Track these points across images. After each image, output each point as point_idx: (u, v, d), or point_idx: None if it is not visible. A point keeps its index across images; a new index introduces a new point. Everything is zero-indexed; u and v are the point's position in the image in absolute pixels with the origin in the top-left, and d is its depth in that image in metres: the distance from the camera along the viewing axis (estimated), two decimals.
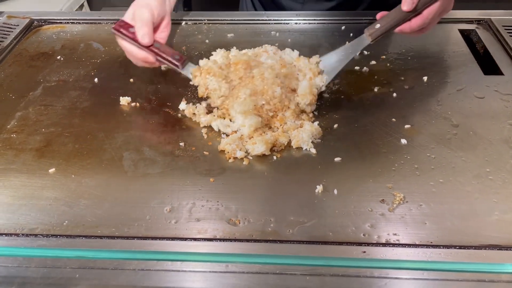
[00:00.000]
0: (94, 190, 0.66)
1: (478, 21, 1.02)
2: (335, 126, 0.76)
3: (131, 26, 0.79)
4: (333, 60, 0.81)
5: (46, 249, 0.57)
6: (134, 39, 0.78)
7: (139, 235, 0.60)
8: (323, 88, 0.79)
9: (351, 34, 0.99)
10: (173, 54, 0.79)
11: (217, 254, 0.57)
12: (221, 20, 1.07)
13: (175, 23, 1.06)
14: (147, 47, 0.78)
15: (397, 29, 0.75)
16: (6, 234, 0.60)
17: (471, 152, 0.70)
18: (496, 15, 1.01)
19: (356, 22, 1.03)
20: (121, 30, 0.79)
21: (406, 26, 0.74)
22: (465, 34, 0.99)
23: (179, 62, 0.78)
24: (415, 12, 0.72)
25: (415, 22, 0.73)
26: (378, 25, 0.75)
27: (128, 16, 0.81)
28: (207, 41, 1.00)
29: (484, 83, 0.84)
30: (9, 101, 0.84)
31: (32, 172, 0.69)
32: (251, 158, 0.70)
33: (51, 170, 0.69)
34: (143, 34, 0.77)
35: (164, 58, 0.78)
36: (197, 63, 0.80)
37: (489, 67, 0.89)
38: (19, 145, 0.74)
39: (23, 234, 0.60)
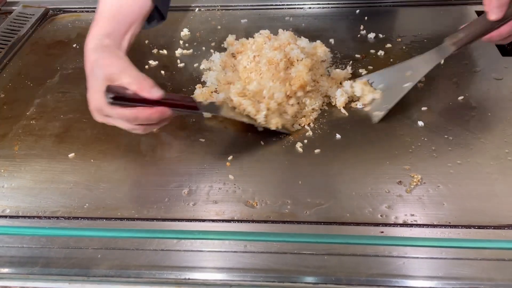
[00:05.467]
0: (113, 174, 0.67)
1: None
2: (352, 108, 0.76)
3: (124, 88, 0.57)
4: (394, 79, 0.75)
5: (69, 229, 0.59)
6: (139, 100, 0.57)
7: (159, 217, 0.61)
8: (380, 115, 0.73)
9: (366, 18, 0.98)
10: (184, 98, 0.66)
11: (237, 233, 0.57)
12: (234, 5, 1.07)
13: (188, 9, 1.07)
14: (158, 101, 0.58)
15: (485, 38, 0.68)
16: (29, 217, 0.62)
17: (489, 133, 0.69)
18: None
19: (370, 6, 1.02)
20: (121, 95, 0.56)
21: (495, 34, 0.67)
22: None
23: (195, 104, 0.64)
24: (504, 20, 0.66)
25: (505, 29, 0.66)
26: (461, 34, 0.69)
27: (100, 83, 0.57)
28: (219, 27, 1.00)
29: (503, 65, 0.83)
30: (28, 88, 0.85)
31: (52, 157, 0.71)
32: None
33: (71, 155, 0.71)
34: (150, 86, 0.57)
35: (178, 105, 0.62)
36: (211, 49, 0.80)
37: (507, 48, 0.88)
38: (39, 131, 0.76)
39: (45, 217, 0.62)
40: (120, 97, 0.56)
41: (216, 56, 0.87)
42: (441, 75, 0.81)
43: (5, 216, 0.62)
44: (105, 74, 0.57)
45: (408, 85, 0.72)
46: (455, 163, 0.65)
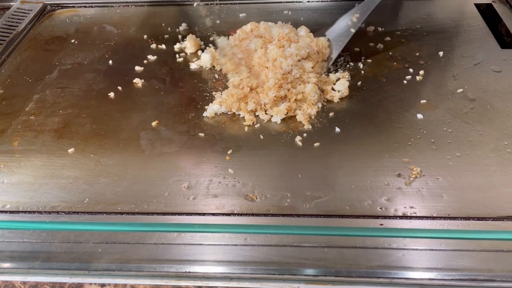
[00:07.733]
0: (113, 169, 0.67)
1: None
2: (351, 102, 0.76)
3: None
4: (342, 26, 0.84)
5: (69, 224, 0.59)
6: None
7: (159, 211, 0.61)
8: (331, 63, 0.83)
9: None
10: None
11: (237, 226, 0.57)
12: (233, 0, 1.06)
13: (186, 4, 1.06)
14: None
15: None
16: (30, 212, 0.62)
17: (489, 125, 0.69)
18: None
19: None
20: None
21: None
22: (481, 8, 0.97)
23: None
24: None
25: None
26: None
27: None
28: (218, 21, 1.00)
29: (501, 57, 0.83)
30: (26, 84, 0.85)
31: (52, 152, 0.71)
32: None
33: (70, 150, 0.71)
34: None
35: None
36: (210, 44, 0.80)
37: (506, 40, 0.88)
38: (38, 126, 0.76)
39: (45, 212, 0.62)
40: None
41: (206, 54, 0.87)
42: (440, 68, 0.81)
43: (6, 212, 0.62)
44: None
45: (353, 30, 0.81)
46: (454, 156, 0.65)
